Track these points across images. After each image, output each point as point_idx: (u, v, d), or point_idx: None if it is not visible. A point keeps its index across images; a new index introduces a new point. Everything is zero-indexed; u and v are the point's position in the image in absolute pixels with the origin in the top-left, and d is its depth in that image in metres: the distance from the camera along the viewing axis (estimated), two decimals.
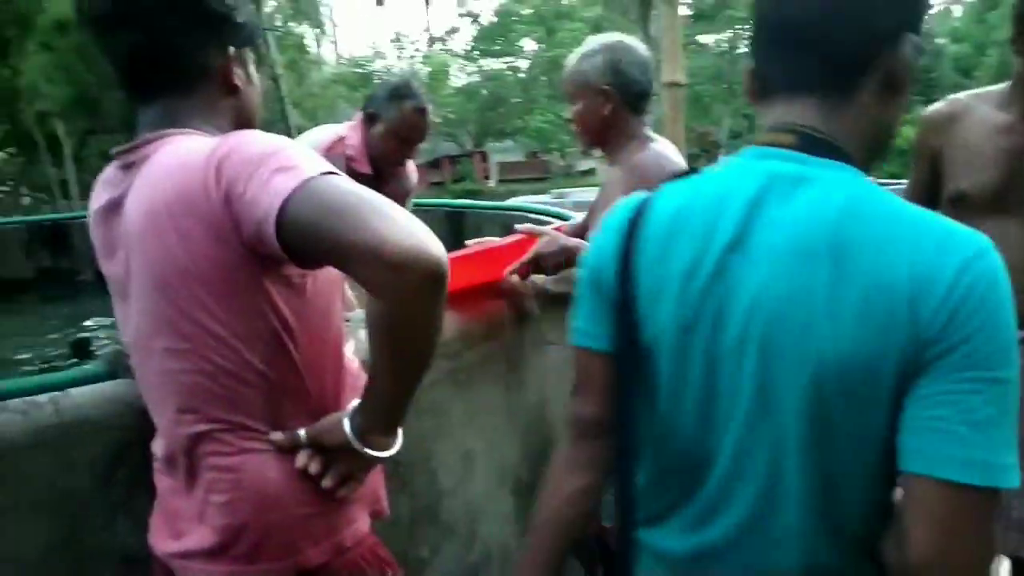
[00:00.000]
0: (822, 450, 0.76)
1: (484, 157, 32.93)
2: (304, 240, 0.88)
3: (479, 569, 1.80)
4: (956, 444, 0.68)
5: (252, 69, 1.12)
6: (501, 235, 2.18)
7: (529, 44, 31.72)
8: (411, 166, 2.43)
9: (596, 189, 2.05)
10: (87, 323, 3.52)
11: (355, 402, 1.00)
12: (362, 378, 1.00)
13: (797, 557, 0.80)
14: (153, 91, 1.03)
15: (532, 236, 1.78)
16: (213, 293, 0.94)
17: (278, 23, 22.07)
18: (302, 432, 1.01)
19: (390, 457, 1.03)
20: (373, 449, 0.99)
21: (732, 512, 0.82)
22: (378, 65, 31.89)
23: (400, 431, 1.03)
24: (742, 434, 0.79)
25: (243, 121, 1.10)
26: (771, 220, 0.77)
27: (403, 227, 0.86)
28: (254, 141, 0.94)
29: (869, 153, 0.81)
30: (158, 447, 1.08)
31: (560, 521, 0.94)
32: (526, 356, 1.98)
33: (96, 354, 1.74)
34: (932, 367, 0.69)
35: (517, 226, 1.84)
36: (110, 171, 1.06)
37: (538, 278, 1.94)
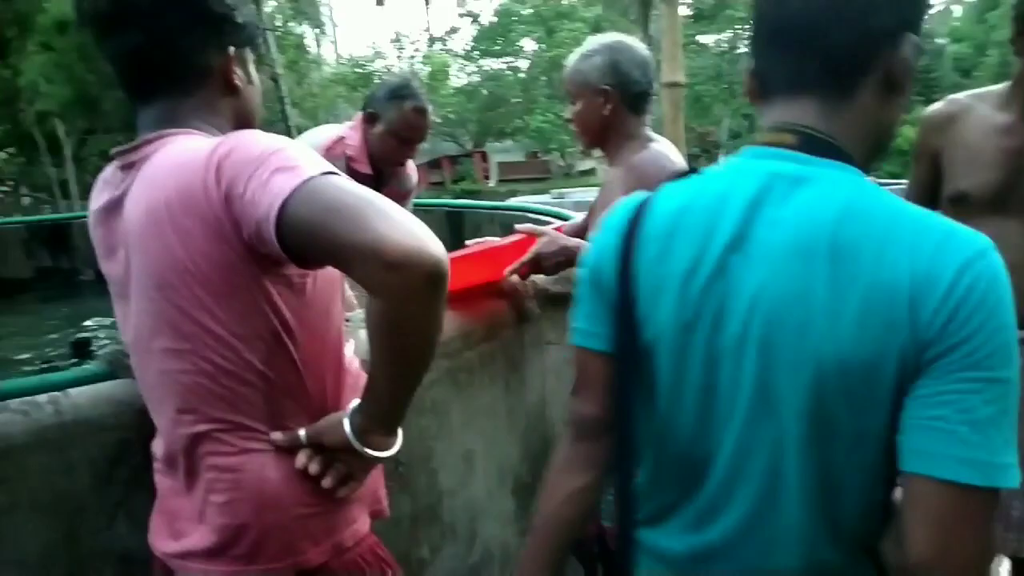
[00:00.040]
0: (822, 450, 0.75)
1: (484, 157, 32.91)
2: (304, 240, 0.88)
3: (480, 569, 1.80)
4: (956, 444, 0.68)
5: (252, 69, 1.12)
6: (501, 235, 2.18)
7: (529, 44, 31.71)
8: (411, 166, 2.43)
9: (596, 189, 2.05)
10: (87, 323, 3.51)
11: (355, 402, 1.00)
12: (362, 378, 1.00)
13: (797, 557, 0.80)
14: (153, 91, 1.03)
15: (532, 236, 1.78)
16: (213, 293, 0.94)
17: (278, 23, 22.07)
18: (302, 432, 1.01)
19: (390, 457, 1.03)
20: (373, 449, 0.99)
21: (732, 512, 0.82)
22: (378, 65, 31.86)
23: (400, 431, 1.03)
24: (742, 434, 0.79)
25: (243, 121, 1.10)
26: (771, 219, 0.76)
27: (403, 227, 0.86)
28: (254, 141, 0.94)
29: (869, 153, 0.81)
30: (158, 447, 1.08)
31: (560, 520, 0.94)
32: (526, 356, 1.98)
33: (96, 354, 1.74)
34: (932, 367, 0.69)
35: (517, 226, 1.84)
36: (110, 171, 1.06)
37: (538, 278, 1.94)
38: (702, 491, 0.84)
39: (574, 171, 30.44)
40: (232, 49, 1.05)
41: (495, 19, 32.33)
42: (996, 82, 1.77)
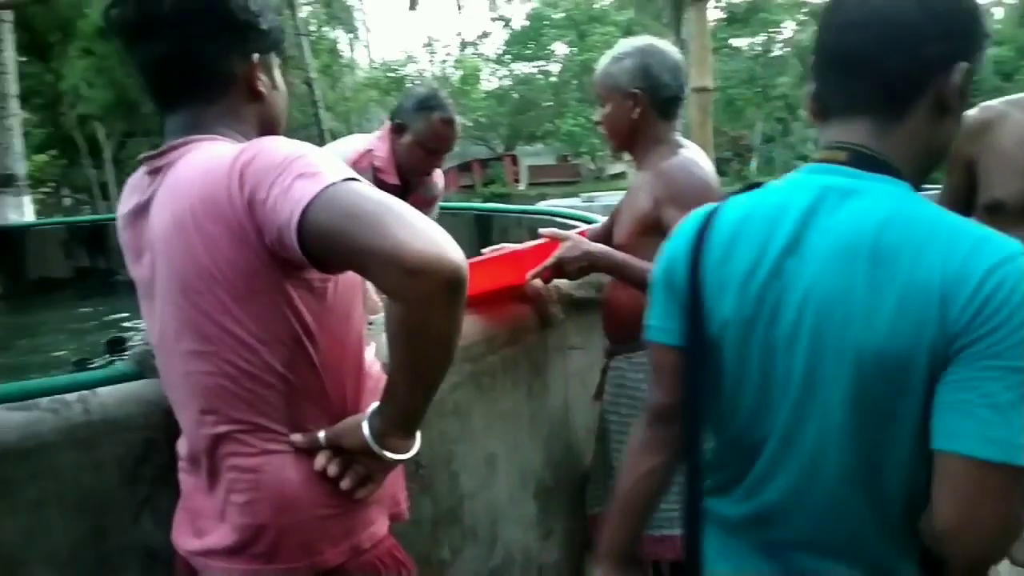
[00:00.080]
0: (862, 432, 0.84)
1: (514, 161, 32.93)
2: (325, 245, 0.89)
3: (501, 572, 1.80)
4: (978, 424, 0.76)
5: (277, 74, 1.13)
6: (528, 238, 2.18)
7: (560, 48, 31.65)
8: (437, 173, 2.45)
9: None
10: (122, 321, 3.59)
11: (374, 405, 1.01)
12: (383, 381, 1.01)
13: (839, 530, 0.89)
14: (179, 98, 1.05)
15: (555, 240, 1.78)
16: (236, 297, 0.95)
17: (312, 28, 22.33)
18: (321, 434, 1.02)
19: (410, 459, 1.04)
20: (391, 451, 1.00)
21: (778, 485, 0.92)
22: (410, 69, 32.09)
23: (419, 434, 1.04)
24: (791, 416, 0.88)
25: (268, 127, 1.12)
26: (823, 227, 0.85)
27: (423, 233, 0.86)
28: (277, 147, 0.95)
29: (920, 169, 0.89)
30: (182, 446, 1.10)
31: (637, 495, 1.07)
32: (549, 360, 1.98)
33: (127, 353, 1.78)
34: (959, 357, 0.77)
35: (541, 230, 1.84)
36: (138, 176, 1.08)
37: (561, 283, 1.94)
38: (756, 467, 0.94)
39: (604, 175, 30.31)
40: (256, 56, 1.07)
41: (527, 23, 32.35)
42: None
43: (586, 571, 2.16)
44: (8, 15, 6.80)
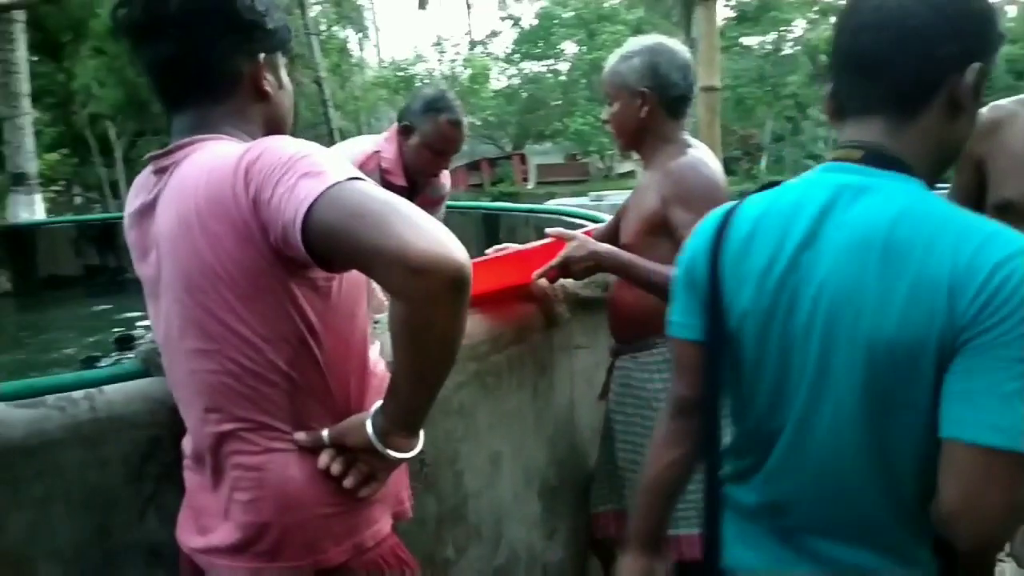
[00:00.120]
0: (875, 420, 0.86)
1: (523, 159, 32.90)
2: (329, 244, 0.89)
3: (505, 571, 1.80)
4: (983, 412, 0.78)
5: (283, 73, 1.14)
6: (535, 237, 2.18)
7: (570, 47, 31.60)
8: (444, 174, 2.45)
9: None
10: (131, 319, 3.62)
11: (377, 403, 1.01)
12: (387, 380, 1.01)
13: (855, 517, 0.92)
14: (185, 98, 1.06)
15: (561, 240, 1.78)
16: (240, 295, 0.96)
17: (322, 27, 22.37)
18: (325, 432, 1.02)
19: (414, 458, 1.04)
20: (394, 450, 1.00)
21: (795, 474, 0.95)
22: (419, 68, 32.05)
23: (422, 432, 1.04)
24: (806, 405, 0.91)
25: (274, 126, 1.12)
26: (837, 222, 0.88)
27: (427, 232, 0.86)
28: (282, 146, 0.95)
29: (935, 166, 0.91)
30: (187, 444, 1.10)
31: (663, 482, 1.12)
32: (555, 360, 1.98)
33: (135, 351, 1.80)
34: (965, 348, 0.80)
35: (547, 230, 1.84)
36: (144, 175, 1.09)
37: (567, 282, 1.93)
38: (772, 455, 0.96)
39: (613, 173, 30.25)
40: (262, 56, 1.07)
41: (536, 22, 32.31)
42: None
43: (590, 570, 2.16)
44: (20, 15, 6.85)
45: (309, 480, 1.01)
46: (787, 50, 26.87)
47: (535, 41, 31.89)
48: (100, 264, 4.91)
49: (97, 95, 16.75)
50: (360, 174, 0.93)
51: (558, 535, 2.00)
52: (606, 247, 1.75)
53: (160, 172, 1.04)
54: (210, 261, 0.95)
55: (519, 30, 33.13)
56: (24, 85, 6.84)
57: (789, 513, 0.97)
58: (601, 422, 1.99)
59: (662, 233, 1.74)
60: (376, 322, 1.27)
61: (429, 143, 2.21)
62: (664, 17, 23.22)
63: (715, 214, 1.02)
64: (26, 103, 6.88)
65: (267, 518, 0.99)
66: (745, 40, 27.27)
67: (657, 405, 1.79)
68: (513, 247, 1.91)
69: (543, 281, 1.83)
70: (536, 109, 31.34)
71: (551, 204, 6.87)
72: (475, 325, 1.64)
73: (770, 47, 27.35)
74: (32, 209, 6.64)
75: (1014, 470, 0.79)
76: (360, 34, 30.90)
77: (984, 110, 1.76)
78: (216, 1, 1.03)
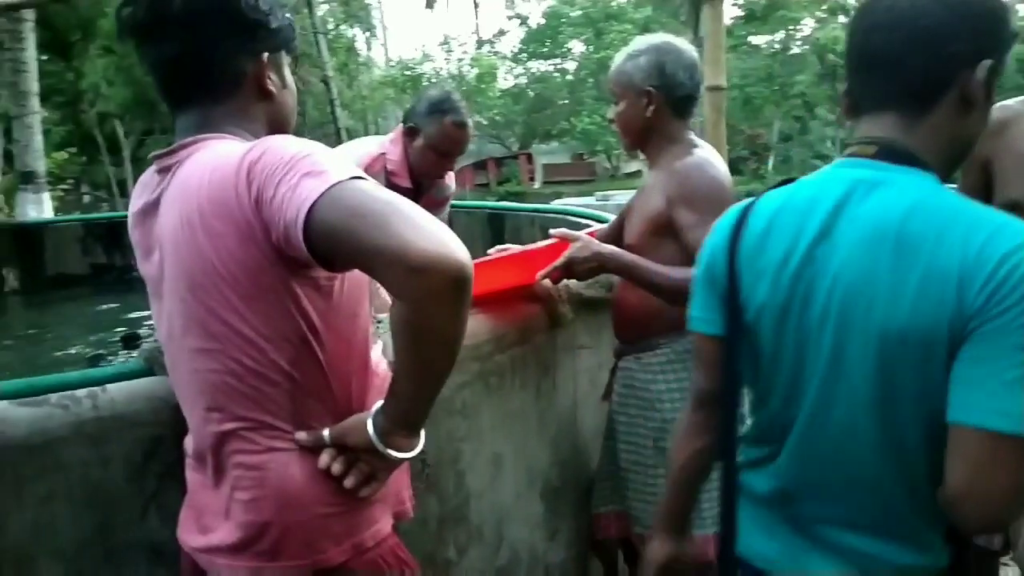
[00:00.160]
0: (888, 408, 0.89)
1: (530, 159, 32.86)
2: (331, 244, 0.89)
3: (507, 572, 1.80)
4: (989, 397, 0.81)
5: (287, 73, 1.14)
6: (541, 237, 2.17)
7: (577, 46, 31.55)
8: (448, 174, 2.45)
9: None
10: (137, 317, 3.63)
11: (379, 403, 1.01)
12: (389, 380, 1.01)
13: (869, 504, 0.94)
14: (189, 98, 1.06)
15: (565, 240, 1.77)
16: (242, 295, 0.96)
17: (330, 26, 22.41)
18: (326, 432, 1.02)
19: (416, 458, 1.04)
20: (395, 450, 1.00)
21: (809, 461, 0.97)
22: (427, 68, 32.04)
23: (423, 432, 1.04)
24: (820, 395, 0.93)
25: (277, 125, 1.12)
26: (851, 216, 0.90)
27: (428, 232, 0.86)
28: (284, 145, 0.95)
29: (947, 160, 0.94)
30: (189, 443, 1.10)
31: (686, 472, 1.16)
32: (558, 360, 1.98)
33: (138, 349, 1.80)
34: (973, 336, 0.82)
35: (551, 230, 1.84)
36: (148, 174, 1.09)
37: (571, 282, 1.93)
38: (788, 444, 0.99)
39: (620, 173, 30.18)
40: (266, 55, 1.07)
41: (543, 21, 32.28)
42: None
43: (592, 571, 2.16)
44: (30, 14, 6.88)
45: (310, 480, 1.01)
46: (795, 49, 26.78)
47: (542, 40, 31.87)
48: (107, 263, 4.92)
49: (105, 94, 16.83)
50: (362, 174, 0.93)
51: (560, 536, 1.99)
52: (610, 248, 1.74)
53: (163, 171, 1.04)
54: (212, 260, 0.95)
55: (526, 29, 33.12)
56: (33, 84, 6.87)
57: (803, 501, 1.00)
58: (604, 423, 1.99)
59: (667, 234, 1.73)
60: (379, 322, 1.27)
61: (434, 145, 2.21)
62: (672, 16, 23.17)
63: (733, 211, 1.04)
64: (35, 102, 6.92)
65: (268, 517, 0.99)
66: (753, 39, 27.19)
67: (660, 406, 1.79)
68: (514, 248, 1.91)
69: (547, 282, 1.82)
70: (543, 108, 31.32)
71: (557, 204, 6.86)
72: (478, 325, 1.64)
73: (778, 46, 27.25)
74: (40, 207, 6.67)
75: (1019, 454, 0.81)
76: (368, 33, 30.92)
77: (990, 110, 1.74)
78: (220, 1, 1.03)
